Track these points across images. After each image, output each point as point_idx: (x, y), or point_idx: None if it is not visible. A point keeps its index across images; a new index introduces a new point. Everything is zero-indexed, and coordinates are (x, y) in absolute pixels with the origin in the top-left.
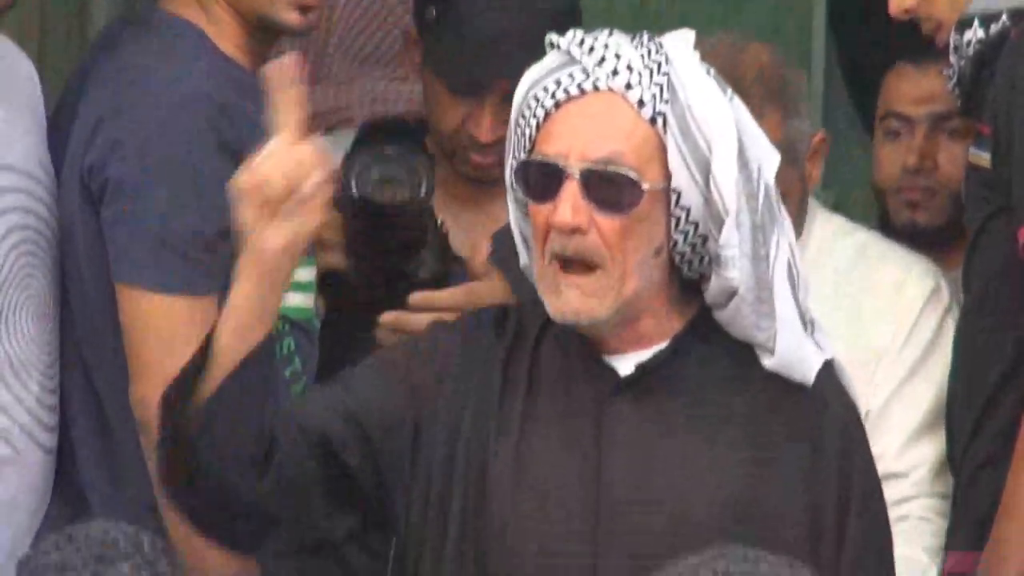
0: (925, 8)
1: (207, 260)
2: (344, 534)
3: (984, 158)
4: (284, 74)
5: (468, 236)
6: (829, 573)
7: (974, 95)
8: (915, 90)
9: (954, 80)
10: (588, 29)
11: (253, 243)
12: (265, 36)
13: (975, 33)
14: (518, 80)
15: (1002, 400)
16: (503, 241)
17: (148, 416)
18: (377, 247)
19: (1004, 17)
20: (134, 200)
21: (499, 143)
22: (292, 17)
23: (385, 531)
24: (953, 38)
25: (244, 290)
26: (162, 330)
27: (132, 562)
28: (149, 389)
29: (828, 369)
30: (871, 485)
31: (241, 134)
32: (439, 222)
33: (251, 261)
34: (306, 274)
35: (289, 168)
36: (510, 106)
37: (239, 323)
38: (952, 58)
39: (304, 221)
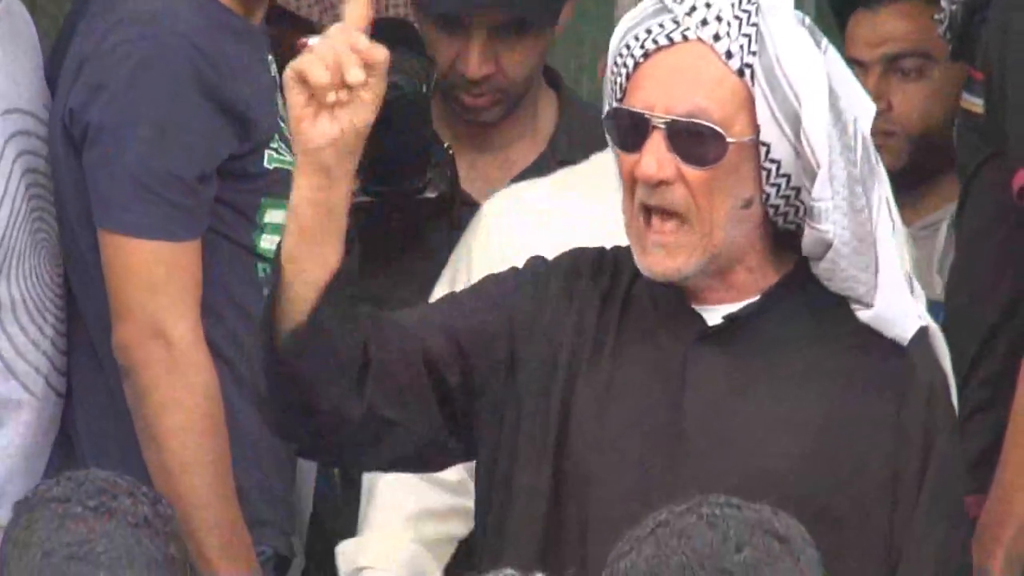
0: None
1: (189, 204)
2: (455, 445)
3: (976, 104)
4: None
5: (485, 182)
6: (901, 541)
7: (965, 40)
8: (869, 34)
9: (945, 25)
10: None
11: (299, 137)
12: None
13: None
14: (502, 14)
15: (993, 348)
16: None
17: (131, 361)
18: (383, 152)
19: None
20: (113, 143)
21: (489, 81)
22: None
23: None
24: None
25: (298, 189)
26: (143, 275)
27: (134, 497)
28: (131, 334)
29: (922, 335)
30: (952, 462)
31: (226, 78)
32: (446, 146)
33: (300, 157)
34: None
35: (339, 54)
36: (498, 42)
37: (300, 225)
38: (943, 2)
39: (352, 115)
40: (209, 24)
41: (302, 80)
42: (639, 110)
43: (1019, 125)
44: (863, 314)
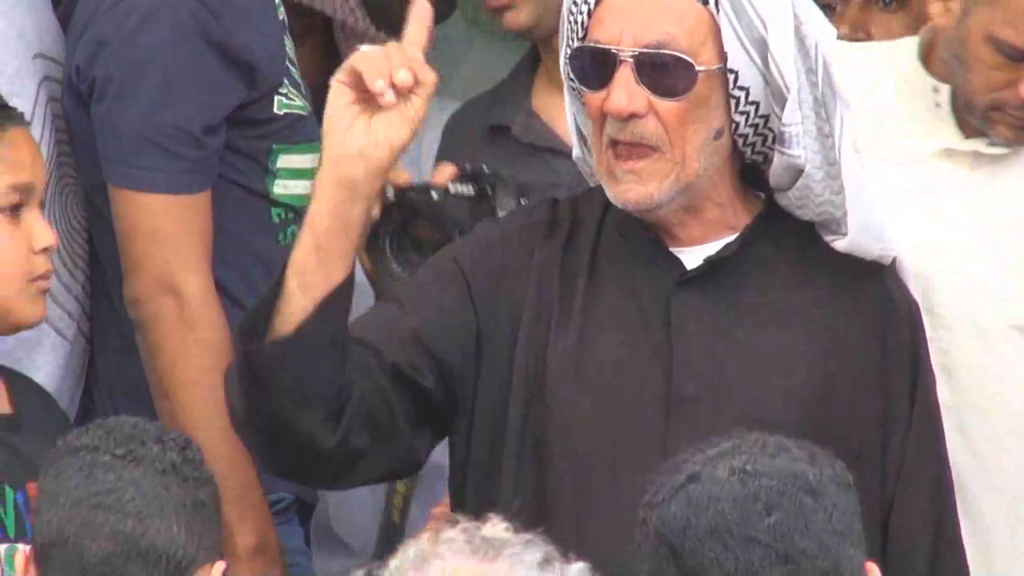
0: None
1: (196, 156)
2: (427, 449)
3: None
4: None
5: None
6: (898, 458)
7: None
8: None
9: None
10: None
11: (330, 139)
12: None
13: None
14: None
15: None
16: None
17: (142, 315)
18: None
19: None
20: (118, 99)
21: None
22: None
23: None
24: None
25: (319, 200)
26: (152, 229)
27: (162, 443)
28: (141, 288)
29: (891, 265)
30: (931, 378)
31: (231, 26)
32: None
33: (327, 166)
34: (308, 160)
35: (392, 58)
36: None
37: (316, 238)
38: None
39: (388, 128)
40: None
41: (353, 80)
42: (605, 45)
43: None
44: (839, 244)
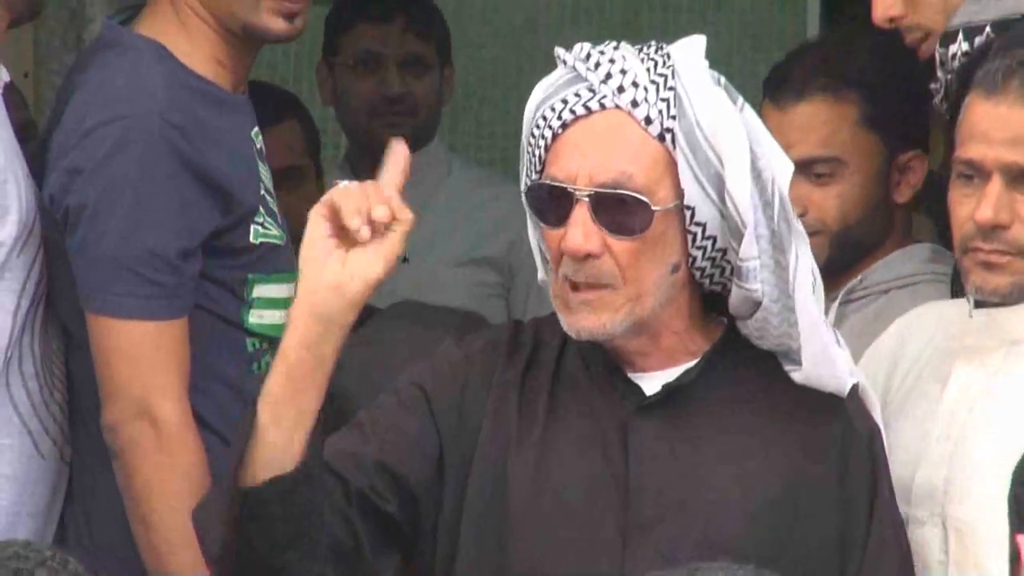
0: (912, 17)
1: (171, 282)
2: (394, 570)
3: None
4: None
5: None
6: (858, 568)
7: (958, 107)
8: (778, 138)
9: (941, 93)
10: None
11: (305, 271)
12: (248, 47)
13: (960, 46)
14: None
15: None
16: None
17: (119, 442)
18: None
19: (988, 29)
20: (92, 225)
21: None
22: (278, 24)
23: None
24: (938, 52)
25: (292, 333)
26: (128, 355)
27: (48, 567)
28: (117, 413)
29: (854, 391)
30: (892, 503)
31: (203, 150)
32: None
33: (301, 299)
34: (283, 290)
35: (370, 195)
36: None
37: (289, 372)
38: (939, 72)
39: (366, 264)
40: (186, 96)
41: (331, 214)
42: (561, 183)
43: None
44: (797, 375)
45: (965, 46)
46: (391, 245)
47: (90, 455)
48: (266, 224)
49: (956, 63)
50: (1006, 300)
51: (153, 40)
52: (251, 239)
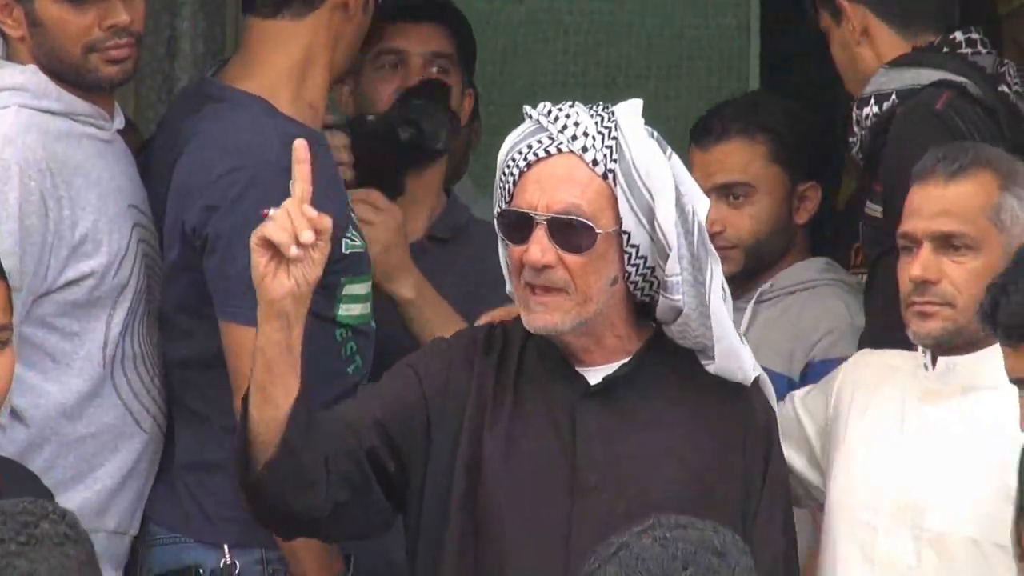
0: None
1: None
2: (396, 512)
3: (876, 210)
4: (300, 152)
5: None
6: (753, 519)
7: (872, 159)
8: (701, 169)
9: (857, 147)
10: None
11: (262, 290)
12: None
13: (871, 108)
14: None
15: None
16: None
17: None
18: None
19: (893, 96)
20: (227, 252)
21: None
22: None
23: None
24: (855, 113)
25: (263, 332)
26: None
27: (49, 519)
28: None
29: (755, 383)
30: (783, 466)
31: (314, 188)
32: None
33: (263, 306)
34: (363, 288)
35: (295, 219)
36: None
37: (267, 360)
38: (855, 128)
39: (304, 271)
40: (282, 144)
41: (266, 243)
42: (525, 210)
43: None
44: (711, 367)
45: (875, 109)
46: (320, 250)
47: (185, 432)
48: (352, 237)
49: (869, 122)
50: (940, 343)
51: (256, 96)
52: (343, 250)
